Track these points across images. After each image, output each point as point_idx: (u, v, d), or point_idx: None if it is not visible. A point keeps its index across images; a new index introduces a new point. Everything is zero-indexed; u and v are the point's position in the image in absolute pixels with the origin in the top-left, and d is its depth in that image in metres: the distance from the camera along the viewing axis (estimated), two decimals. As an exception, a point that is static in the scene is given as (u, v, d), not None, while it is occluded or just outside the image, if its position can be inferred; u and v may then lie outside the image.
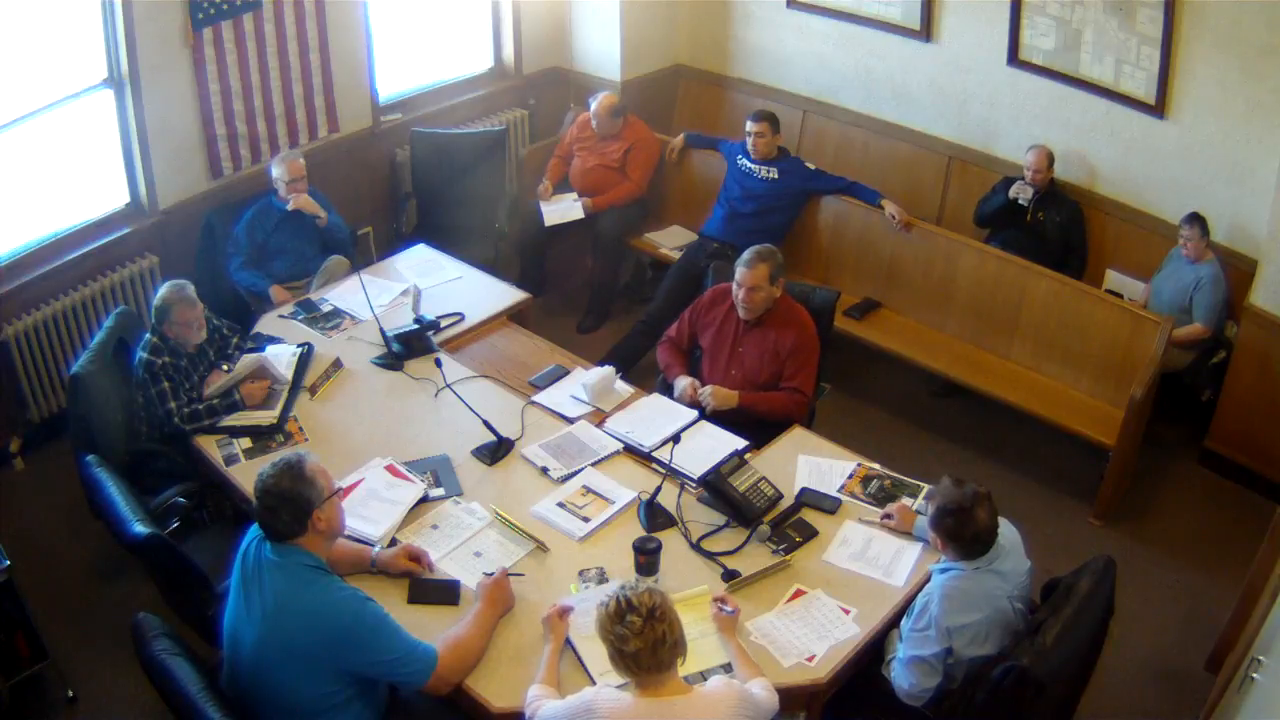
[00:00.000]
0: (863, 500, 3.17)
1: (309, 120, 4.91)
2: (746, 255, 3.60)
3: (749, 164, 4.92)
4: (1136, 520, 4.22)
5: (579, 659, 2.61)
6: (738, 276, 3.61)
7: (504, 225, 5.40)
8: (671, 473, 3.18)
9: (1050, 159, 4.68)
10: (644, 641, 2.16)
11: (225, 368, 3.58)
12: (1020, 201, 4.69)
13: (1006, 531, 2.73)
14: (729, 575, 2.88)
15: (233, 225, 4.45)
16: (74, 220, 4.35)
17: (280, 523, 2.42)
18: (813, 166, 4.97)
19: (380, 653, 2.43)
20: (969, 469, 4.32)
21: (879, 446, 3.82)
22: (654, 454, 3.35)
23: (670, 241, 5.27)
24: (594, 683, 2.50)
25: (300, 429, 3.45)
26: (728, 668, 2.58)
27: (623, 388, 3.70)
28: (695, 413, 3.54)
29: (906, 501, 3.13)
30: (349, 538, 2.86)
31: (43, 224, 4.27)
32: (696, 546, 2.98)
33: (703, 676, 2.52)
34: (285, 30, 4.64)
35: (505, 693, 2.53)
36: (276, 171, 4.41)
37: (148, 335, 3.49)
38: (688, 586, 2.82)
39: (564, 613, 2.67)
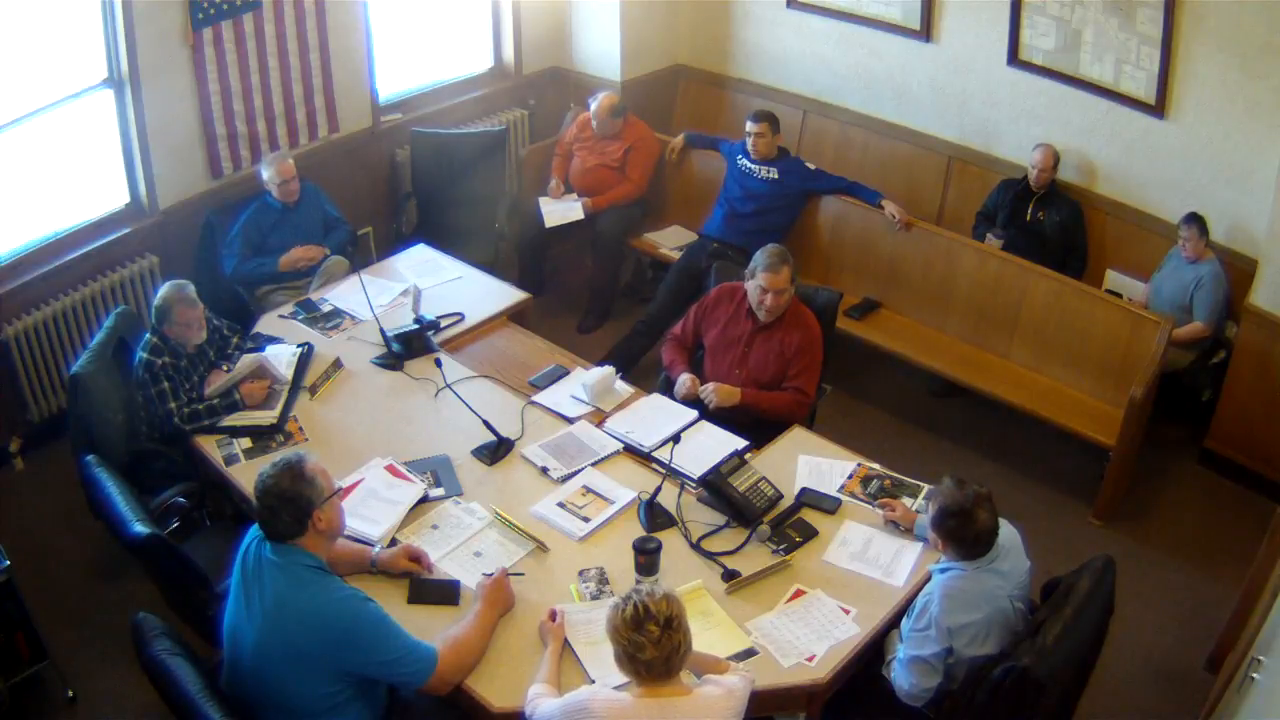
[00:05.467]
0: (863, 500, 3.18)
1: (309, 120, 4.91)
2: (768, 259, 3.56)
3: (749, 164, 4.92)
4: (1136, 520, 4.22)
5: (581, 665, 2.60)
6: (763, 281, 3.57)
7: (504, 225, 5.40)
8: (671, 473, 3.18)
9: (1056, 158, 4.68)
10: (660, 651, 2.16)
11: (225, 368, 3.59)
12: (992, 239, 4.75)
13: (1006, 531, 2.73)
14: (729, 575, 2.88)
15: (231, 226, 4.45)
16: (74, 220, 4.35)
17: (280, 523, 2.42)
18: (813, 166, 4.97)
19: (380, 653, 2.43)
20: (969, 469, 4.32)
21: (879, 446, 3.81)
22: (654, 454, 3.35)
23: (670, 241, 5.27)
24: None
25: (300, 429, 3.45)
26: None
27: (623, 388, 3.70)
28: (695, 413, 3.53)
29: (906, 501, 3.13)
30: (349, 538, 2.86)
31: (43, 224, 4.27)
32: (696, 546, 2.98)
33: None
34: (285, 30, 4.64)
35: (505, 693, 2.53)
36: (267, 174, 4.40)
37: (148, 335, 3.49)
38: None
39: (553, 615, 2.68)
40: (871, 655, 2.79)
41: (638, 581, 2.76)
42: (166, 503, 3.32)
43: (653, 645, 2.15)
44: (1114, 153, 4.73)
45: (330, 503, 2.49)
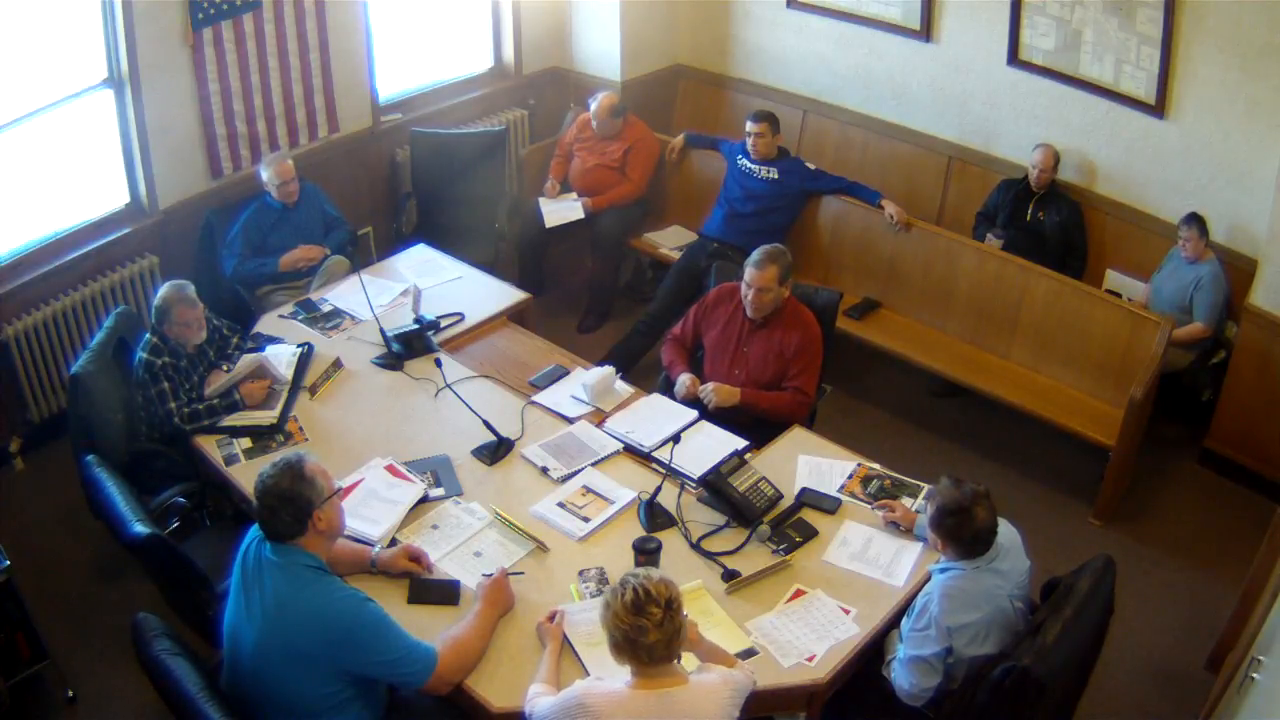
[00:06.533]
0: (863, 500, 3.18)
1: (309, 120, 4.91)
2: (757, 256, 3.59)
3: (749, 164, 4.92)
4: (1136, 520, 4.22)
5: (581, 664, 2.61)
6: (747, 277, 3.60)
7: (504, 225, 5.40)
8: (671, 473, 3.18)
9: (1056, 158, 4.68)
10: (662, 634, 2.15)
11: (225, 368, 3.59)
12: (992, 239, 4.75)
13: (1006, 531, 2.73)
14: (729, 575, 2.88)
15: (231, 226, 4.45)
16: (74, 220, 4.35)
17: (280, 523, 2.42)
18: (813, 167, 4.97)
19: (380, 653, 2.43)
20: (969, 469, 4.32)
21: (879, 446, 3.82)
22: (654, 454, 3.35)
23: (670, 241, 5.27)
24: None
25: (300, 429, 3.45)
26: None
27: (623, 388, 3.70)
28: (695, 413, 3.54)
29: (906, 501, 3.13)
30: (349, 538, 2.86)
31: (43, 224, 4.27)
32: (696, 546, 2.98)
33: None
34: (285, 30, 4.64)
35: (505, 693, 2.53)
36: (266, 175, 4.40)
37: (148, 335, 3.49)
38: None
39: (552, 616, 2.67)
40: (871, 655, 2.79)
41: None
42: (166, 503, 3.32)
43: (655, 628, 2.14)
44: (1114, 153, 4.73)
45: (330, 503, 2.49)
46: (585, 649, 2.63)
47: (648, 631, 2.14)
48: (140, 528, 2.81)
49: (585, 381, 3.63)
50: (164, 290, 3.48)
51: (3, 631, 3.16)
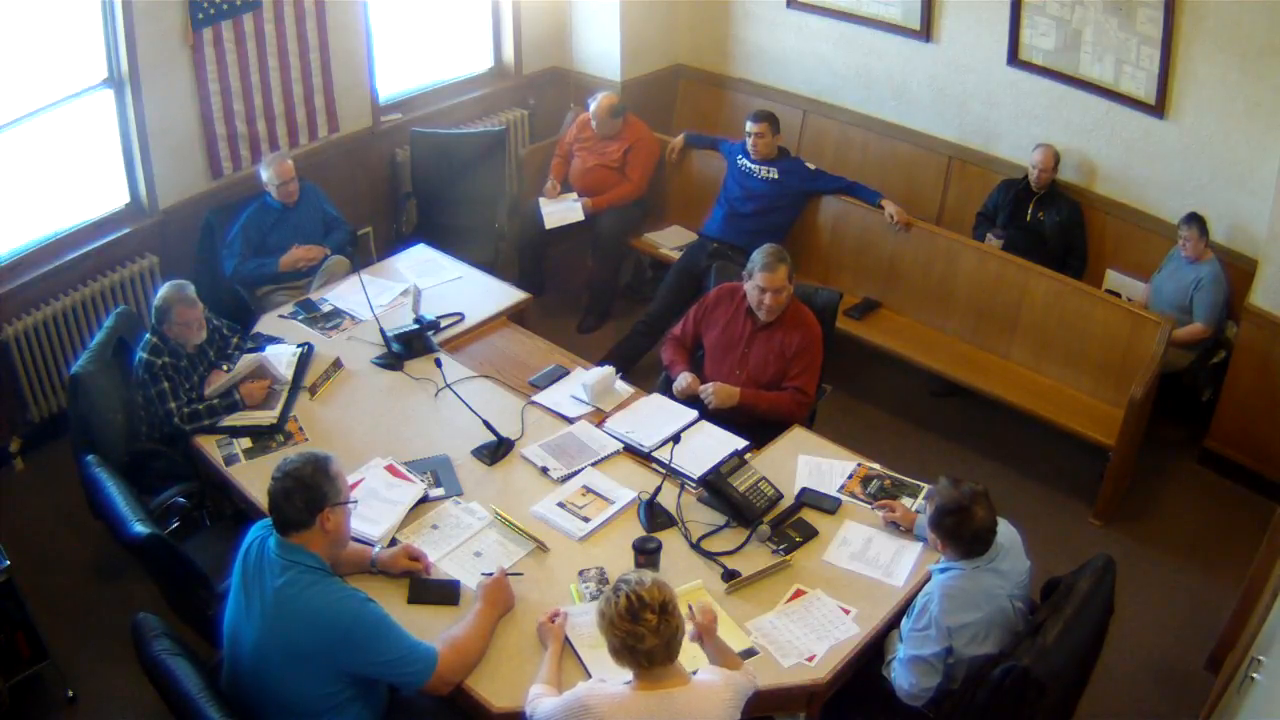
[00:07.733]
0: (863, 500, 3.18)
1: (309, 120, 4.91)
2: (764, 259, 3.57)
3: (749, 164, 4.92)
4: (1136, 520, 4.22)
5: (583, 666, 2.60)
6: (761, 280, 3.58)
7: (504, 225, 5.40)
8: (671, 473, 3.18)
9: (1056, 158, 4.68)
10: (660, 639, 2.15)
11: (225, 368, 3.59)
12: (992, 239, 4.75)
13: (1006, 531, 2.73)
14: (729, 575, 2.88)
15: (231, 226, 4.45)
16: (74, 220, 4.35)
17: (292, 507, 2.42)
18: (813, 167, 4.97)
19: (380, 653, 2.43)
20: (969, 469, 4.32)
21: (879, 446, 3.82)
22: (654, 454, 3.35)
23: (670, 241, 5.27)
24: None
25: (300, 429, 3.45)
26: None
27: (623, 388, 3.70)
28: (695, 413, 3.53)
29: (906, 501, 3.13)
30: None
31: (43, 224, 4.27)
32: (696, 546, 2.98)
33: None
34: (285, 30, 4.64)
35: (505, 693, 2.53)
36: (266, 175, 4.40)
37: (148, 335, 3.49)
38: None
39: (553, 616, 2.67)
40: (871, 655, 2.79)
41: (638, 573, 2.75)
42: (166, 503, 3.32)
43: (652, 634, 2.15)
44: (1114, 153, 4.73)
45: (343, 508, 2.50)
46: (586, 651, 2.63)
47: (644, 638, 2.15)
48: (140, 528, 2.81)
49: (585, 381, 3.63)
50: (164, 290, 3.48)
51: (3, 631, 3.16)
